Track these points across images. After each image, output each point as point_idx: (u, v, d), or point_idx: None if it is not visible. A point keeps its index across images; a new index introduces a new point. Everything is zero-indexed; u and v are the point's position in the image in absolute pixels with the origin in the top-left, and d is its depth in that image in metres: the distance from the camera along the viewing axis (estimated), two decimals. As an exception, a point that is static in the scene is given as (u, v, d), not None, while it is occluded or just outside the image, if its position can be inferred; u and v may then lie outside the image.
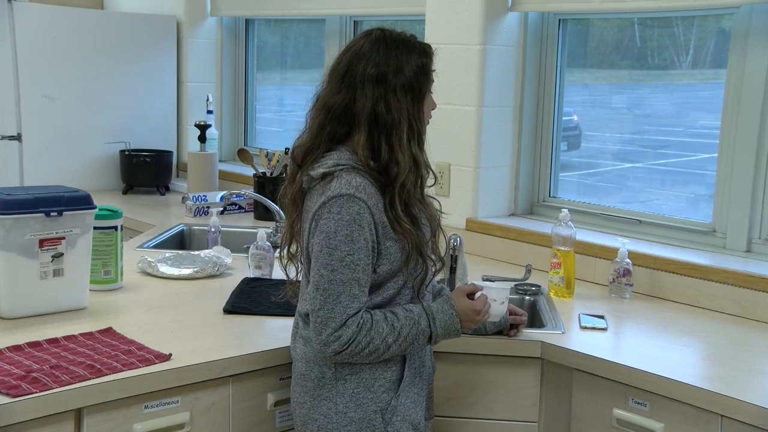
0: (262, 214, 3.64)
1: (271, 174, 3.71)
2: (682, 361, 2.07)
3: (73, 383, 1.76)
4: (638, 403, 2.00)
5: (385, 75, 1.80)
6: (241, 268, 2.77)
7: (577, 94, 3.28)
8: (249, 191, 3.63)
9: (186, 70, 4.52)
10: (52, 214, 2.16)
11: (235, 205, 3.78)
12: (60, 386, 1.74)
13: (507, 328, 2.18)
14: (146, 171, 4.25)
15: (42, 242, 2.17)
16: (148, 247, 3.10)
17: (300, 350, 1.90)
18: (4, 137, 4.01)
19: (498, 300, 1.96)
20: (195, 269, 2.67)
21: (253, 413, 2.05)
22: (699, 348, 2.23)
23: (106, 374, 1.81)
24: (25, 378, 1.75)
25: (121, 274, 2.49)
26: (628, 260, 2.58)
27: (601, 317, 2.38)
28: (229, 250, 2.90)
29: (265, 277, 2.65)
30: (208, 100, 4.28)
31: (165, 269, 2.67)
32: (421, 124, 1.86)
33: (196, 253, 2.86)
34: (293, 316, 2.00)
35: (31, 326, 2.10)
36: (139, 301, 2.38)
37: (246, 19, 4.55)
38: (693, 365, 2.11)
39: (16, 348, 1.93)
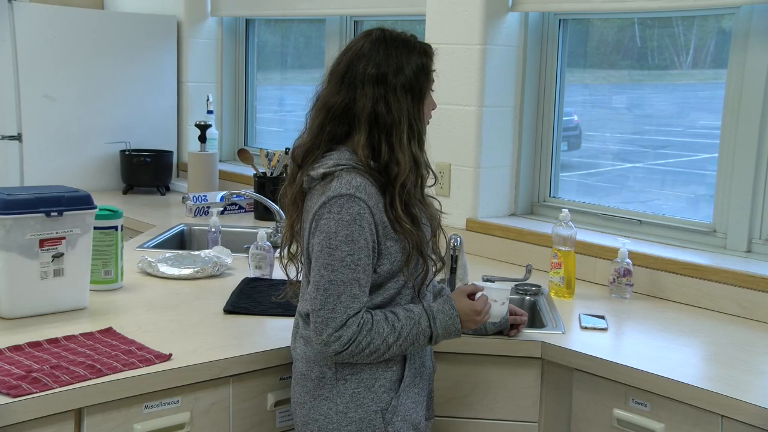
0: (263, 214, 3.64)
1: (272, 174, 3.70)
2: (682, 362, 2.07)
3: (73, 383, 1.76)
4: (638, 404, 2.00)
5: (385, 75, 1.80)
6: (241, 268, 2.77)
7: (577, 94, 3.28)
8: (249, 191, 3.63)
9: (186, 70, 4.52)
10: (52, 214, 2.16)
11: (236, 205, 3.78)
12: (60, 386, 1.74)
13: (507, 329, 2.18)
14: (146, 171, 4.25)
15: (42, 242, 2.17)
16: (148, 247, 3.10)
17: (300, 350, 1.90)
18: (4, 137, 4.01)
19: (498, 300, 1.96)
20: (195, 269, 2.67)
21: (254, 413, 2.05)
22: (699, 348, 2.23)
23: (107, 374, 1.81)
24: (26, 378, 1.75)
25: (122, 274, 2.49)
26: (628, 260, 2.58)
27: (602, 317, 2.38)
28: (229, 250, 2.90)
29: (265, 277, 2.65)
30: (208, 100, 4.28)
31: (165, 269, 2.67)
32: (422, 124, 1.86)
33: (197, 253, 2.86)
34: (293, 316, 2.00)
35: (32, 326, 2.10)
36: (139, 301, 2.38)
37: (246, 19, 4.56)
38: (693, 365, 2.11)
39: (17, 348, 1.93)
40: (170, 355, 1.93)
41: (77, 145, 4.20)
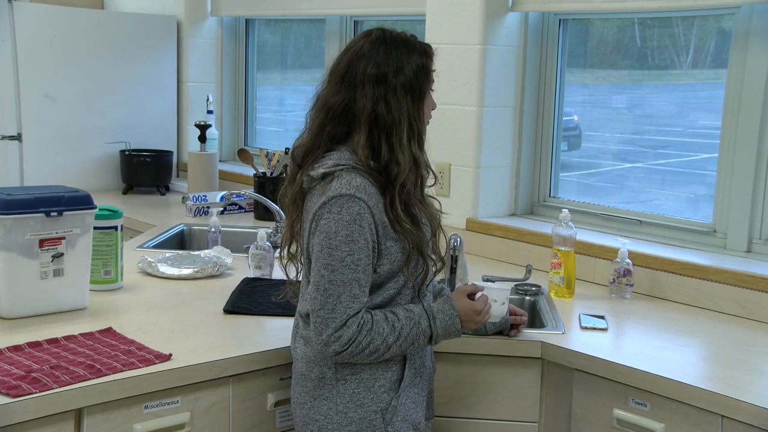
0: (262, 214, 3.63)
1: (271, 174, 3.70)
2: (682, 362, 2.07)
3: (72, 383, 1.76)
4: (638, 404, 2.00)
5: (385, 75, 1.80)
6: (241, 268, 2.77)
7: (577, 94, 3.28)
8: (249, 191, 3.63)
9: (186, 70, 4.52)
10: (52, 214, 2.16)
11: (235, 205, 3.78)
12: (60, 386, 1.74)
13: (507, 329, 2.18)
14: (146, 171, 4.25)
15: (42, 242, 2.17)
16: (148, 247, 3.10)
17: (300, 350, 1.90)
18: (4, 137, 4.01)
19: (498, 300, 1.96)
20: (195, 269, 2.67)
21: (254, 413, 2.05)
22: (699, 348, 2.23)
23: (106, 374, 1.81)
24: (25, 378, 1.75)
25: (121, 274, 2.49)
26: (628, 260, 2.58)
27: (602, 317, 2.38)
28: (229, 250, 2.90)
29: (265, 277, 2.65)
30: (208, 100, 4.28)
31: (165, 269, 2.67)
32: (421, 124, 1.86)
33: (196, 253, 2.85)
34: (293, 316, 2.00)
35: (31, 326, 2.10)
36: (139, 301, 2.38)
37: (246, 19, 4.55)
38: (693, 365, 2.11)
39: (16, 348, 1.93)
40: (170, 355, 1.93)
41: (77, 145, 4.20)
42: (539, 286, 2.63)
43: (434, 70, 1.89)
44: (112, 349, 1.95)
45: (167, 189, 4.31)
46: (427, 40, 2.27)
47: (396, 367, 1.87)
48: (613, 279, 2.60)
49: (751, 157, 2.59)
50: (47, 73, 4.07)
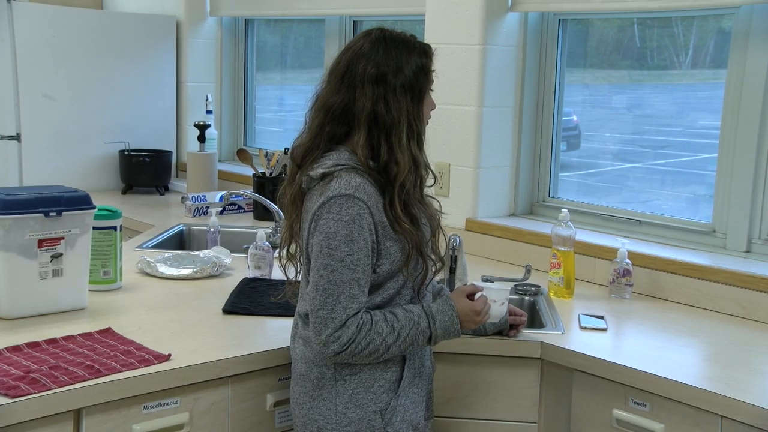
0: (262, 214, 3.63)
1: (271, 174, 3.70)
2: (682, 362, 2.07)
3: (72, 384, 1.76)
4: (638, 404, 2.00)
5: (384, 75, 1.80)
6: (240, 269, 2.77)
7: (577, 94, 3.28)
8: (248, 191, 3.62)
9: (186, 70, 4.51)
10: (51, 214, 2.16)
11: (235, 205, 3.78)
12: (59, 387, 1.74)
13: (507, 329, 2.18)
14: (146, 171, 4.25)
15: (41, 242, 2.16)
16: (147, 247, 3.09)
17: (299, 351, 1.90)
18: (3, 137, 4.01)
19: (498, 301, 1.96)
20: (194, 269, 2.67)
21: (253, 414, 2.05)
22: (699, 348, 2.23)
23: (105, 374, 1.80)
24: (24, 378, 1.75)
25: (121, 275, 2.48)
26: (627, 260, 2.58)
27: (601, 317, 2.37)
28: (228, 251, 2.90)
29: (264, 277, 2.65)
30: (207, 100, 4.28)
31: (164, 269, 2.67)
32: (421, 124, 1.86)
33: (196, 253, 2.85)
34: (292, 316, 2.00)
35: (30, 326, 2.10)
36: (138, 302, 2.38)
37: (246, 19, 4.55)
38: (693, 365, 2.11)
39: (15, 348, 1.93)
40: (169, 355, 1.92)
41: (76, 145, 4.20)
42: (539, 287, 2.63)
43: (434, 70, 1.89)
44: (111, 350, 1.95)
45: (166, 189, 4.31)
46: (426, 40, 2.27)
47: (395, 368, 1.87)
48: (613, 279, 2.60)
49: (751, 157, 2.59)
50: (46, 73, 4.07)
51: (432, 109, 1.92)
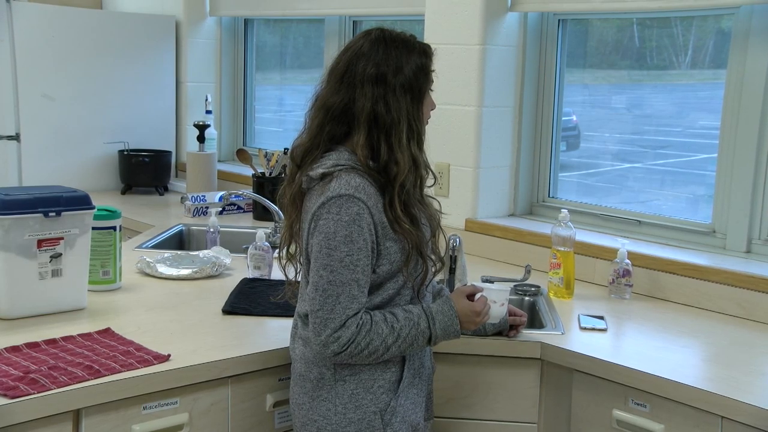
0: (261, 214, 3.63)
1: (270, 174, 3.70)
2: (682, 362, 2.07)
3: (71, 384, 1.75)
4: (638, 404, 2.00)
5: (384, 75, 1.80)
6: (240, 269, 2.77)
7: (576, 94, 3.28)
8: (248, 191, 3.62)
9: (185, 70, 4.51)
10: (50, 214, 2.16)
11: (234, 205, 3.78)
12: (58, 387, 1.74)
13: (507, 329, 2.18)
14: (145, 171, 4.25)
15: (40, 242, 2.16)
16: (146, 248, 3.09)
17: (299, 351, 1.90)
18: (2, 137, 4.00)
19: (498, 301, 1.96)
20: (194, 269, 2.67)
21: (253, 414, 2.04)
22: (699, 349, 2.23)
23: (104, 375, 1.80)
24: (23, 379, 1.75)
25: (120, 275, 2.48)
26: (627, 261, 2.58)
27: (601, 318, 2.37)
28: (228, 251, 2.89)
29: (264, 277, 2.65)
30: (207, 100, 4.27)
31: (164, 269, 2.66)
32: (421, 124, 1.86)
33: (195, 253, 2.85)
34: (292, 316, 1.99)
35: (30, 327, 2.10)
36: (138, 302, 2.38)
37: (245, 19, 4.55)
38: (693, 366, 2.11)
39: (14, 349, 1.93)
40: (169, 355, 1.92)
41: (76, 145, 4.20)
42: (538, 287, 2.63)
43: (433, 70, 1.89)
44: (110, 350, 1.94)
45: (166, 189, 4.31)
46: (426, 40, 2.26)
47: (395, 368, 1.86)
48: (613, 279, 2.60)
49: (751, 157, 2.59)
50: (46, 72, 4.06)
51: (432, 109, 1.92)
